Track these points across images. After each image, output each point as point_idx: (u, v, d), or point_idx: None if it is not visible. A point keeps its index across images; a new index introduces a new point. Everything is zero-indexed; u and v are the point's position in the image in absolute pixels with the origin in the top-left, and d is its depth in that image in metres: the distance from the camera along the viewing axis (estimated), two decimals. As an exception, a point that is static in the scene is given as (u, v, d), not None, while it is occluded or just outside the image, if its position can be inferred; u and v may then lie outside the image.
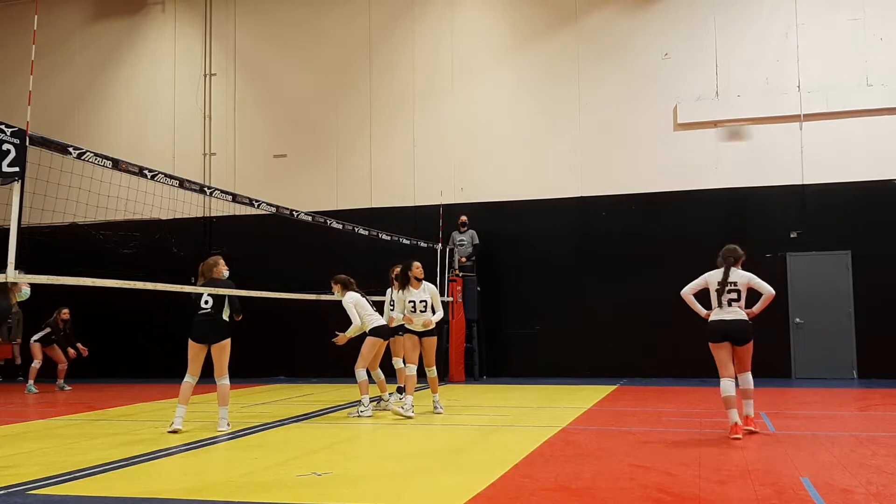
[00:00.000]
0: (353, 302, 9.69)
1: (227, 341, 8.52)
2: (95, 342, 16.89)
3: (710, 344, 7.79)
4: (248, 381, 14.98)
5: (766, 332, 14.02)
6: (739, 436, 7.45)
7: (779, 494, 5.20)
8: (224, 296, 8.51)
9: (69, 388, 14.48)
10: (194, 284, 8.75)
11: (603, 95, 15.62)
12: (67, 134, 15.45)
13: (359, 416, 9.54)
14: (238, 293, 8.65)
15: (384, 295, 10.77)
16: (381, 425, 9.05)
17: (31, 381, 14.26)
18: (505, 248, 15.85)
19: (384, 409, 10.10)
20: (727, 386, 7.63)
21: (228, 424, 8.56)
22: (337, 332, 9.79)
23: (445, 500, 5.19)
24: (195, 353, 8.46)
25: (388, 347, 10.33)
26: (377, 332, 9.85)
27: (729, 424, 7.62)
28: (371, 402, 9.80)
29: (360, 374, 9.74)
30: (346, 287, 9.86)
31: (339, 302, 9.92)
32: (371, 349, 9.84)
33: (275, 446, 7.58)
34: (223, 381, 8.58)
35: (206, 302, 8.48)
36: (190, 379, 8.45)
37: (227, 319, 8.53)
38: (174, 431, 8.24)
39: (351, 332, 9.71)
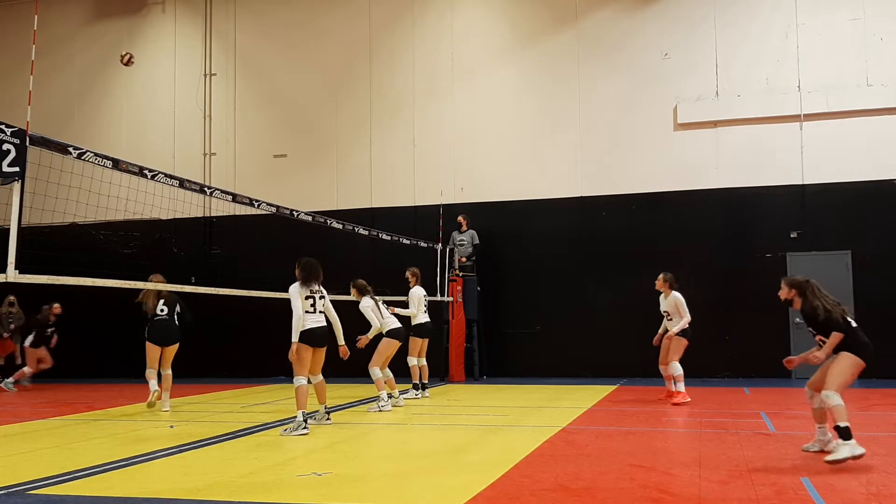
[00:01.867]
0: (371, 307, 10.33)
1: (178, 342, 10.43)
2: (96, 342, 16.92)
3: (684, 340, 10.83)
4: (248, 381, 14.98)
5: (767, 332, 14.17)
6: (689, 399, 10.45)
7: (779, 494, 5.20)
8: (176, 303, 10.32)
9: (15, 389, 14.34)
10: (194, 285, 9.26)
11: (603, 95, 15.61)
12: (67, 134, 15.43)
13: (379, 411, 10.02)
14: (239, 293, 9.14)
15: (386, 295, 11.12)
16: (382, 425, 9.07)
17: (12, 380, 14.36)
18: (505, 248, 15.84)
19: (394, 406, 10.65)
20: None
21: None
22: (359, 336, 10.29)
23: (445, 500, 5.19)
24: (156, 354, 10.20)
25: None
26: (393, 334, 10.63)
27: (681, 392, 10.60)
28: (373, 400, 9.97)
29: (375, 372, 10.38)
30: (362, 292, 10.46)
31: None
32: (387, 349, 10.58)
33: (275, 446, 7.58)
34: (169, 371, 10.39)
35: (162, 310, 10.18)
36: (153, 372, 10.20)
37: (178, 323, 10.27)
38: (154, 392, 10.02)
39: (371, 334, 10.39)
